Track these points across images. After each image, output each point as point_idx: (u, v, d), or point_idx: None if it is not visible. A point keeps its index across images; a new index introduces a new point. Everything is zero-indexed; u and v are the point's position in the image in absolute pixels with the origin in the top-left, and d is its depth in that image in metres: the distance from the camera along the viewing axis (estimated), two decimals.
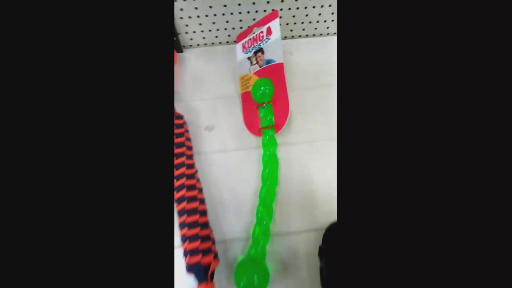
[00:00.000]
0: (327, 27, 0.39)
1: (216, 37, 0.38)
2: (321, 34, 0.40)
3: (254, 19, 0.36)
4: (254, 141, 0.32)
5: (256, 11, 0.36)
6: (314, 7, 0.36)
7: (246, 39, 0.36)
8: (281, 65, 0.31)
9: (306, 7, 0.36)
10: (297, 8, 0.36)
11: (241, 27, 0.37)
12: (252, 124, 0.32)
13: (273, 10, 0.35)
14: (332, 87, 0.35)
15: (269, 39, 0.33)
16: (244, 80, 0.34)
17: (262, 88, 0.31)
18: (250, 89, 0.32)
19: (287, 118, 0.31)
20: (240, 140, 0.32)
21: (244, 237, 0.26)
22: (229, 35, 0.38)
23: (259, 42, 0.34)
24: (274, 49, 0.32)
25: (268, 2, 0.35)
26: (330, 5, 0.36)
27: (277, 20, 0.32)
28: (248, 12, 0.36)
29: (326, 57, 0.38)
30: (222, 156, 0.31)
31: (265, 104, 0.31)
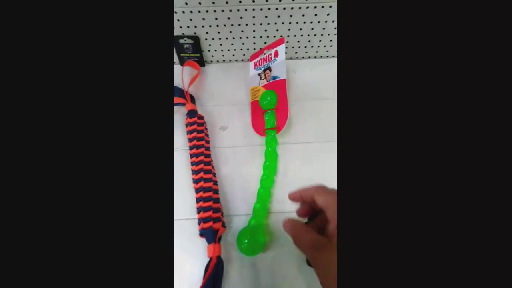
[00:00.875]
0: (327, 51, 0.47)
1: (233, 55, 0.47)
2: (321, 56, 0.48)
3: (265, 43, 0.45)
4: (259, 140, 0.39)
5: (267, 36, 0.44)
6: (315, 35, 0.44)
7: (258, 59, 0.44)
8: (284, 81, 0.39)
9: (309, 35, 0.44)
10: (301, 36, 0.44)
11: (254, 49, 0.45)
12: (258, 126, 0.39)
13: (281, 36, 0.44)
14: (327, 100, 0.42)
15: (276, 60, 0.41)
16: (254, 91, 0.42)
17: (268, 98, 0.38)
18: (258, 98, 0.40)
19: (287, 123, 0.38)
20: (247, 138, 0.39)
21: (246, 213, 0.33)
22: (243, 55, 0.46)
23: (268, 62, 0.42)
24: (279, 68, 0.40)
25: (277, 30, 0.43)
26: (328, 34, 0.44)
27: (283, 45, 0.40)
28: (261, 36, 0.44)
29: (324, 76, 0.45)
30: (232, 150, 0.38)
31: (270, 110, 0.38)
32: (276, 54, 0.41)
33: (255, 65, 0.44)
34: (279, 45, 0.41)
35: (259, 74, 0.43)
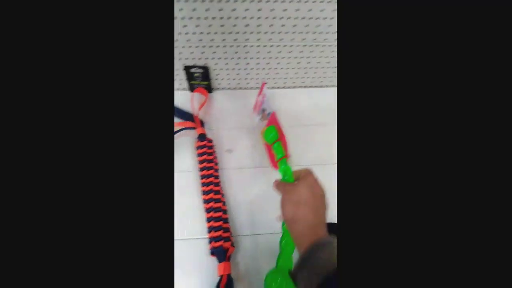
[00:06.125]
0: (321, 81, 0.53)
1: (238, 84, 0.51)
2: (315, 86, 0.54)
3: (267, 74, 0.49)
4: (264, 162, 0.42)
5: (269, 68, 0.49)
6: (311, 68, 0.50)
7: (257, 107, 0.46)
8: (273, 113, 0.39)
9: (305, 67, 0.50)
10: (299, 68, 0.50)
11: (257, 78, 0.50)
12: (273, 161, 0.39)
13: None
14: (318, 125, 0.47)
15: (265, 99, 0.43)
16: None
17: (270, 133, 0.38)
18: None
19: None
20: (253, 161, 0.42)
21: (251, 233, 0.35)
22: (247, 83, 0.51)
23: (261, 105, 0.43)
24: (269, 104, 0.43)
25: (278, 63, 0.48)
26: (322, 67, 0.50)
27: (265, 87, 0.42)
28: (263, 68, 0.49)
29: (317, 102, 0.50)
30: (238, 172, 0.41)
31: (276, 142, 0.37)
32: (264, 95, 0.43)
33: (255, 110, 0.45)
34: (263, 88, 0.42)
35: (261, 118, 0.44)
